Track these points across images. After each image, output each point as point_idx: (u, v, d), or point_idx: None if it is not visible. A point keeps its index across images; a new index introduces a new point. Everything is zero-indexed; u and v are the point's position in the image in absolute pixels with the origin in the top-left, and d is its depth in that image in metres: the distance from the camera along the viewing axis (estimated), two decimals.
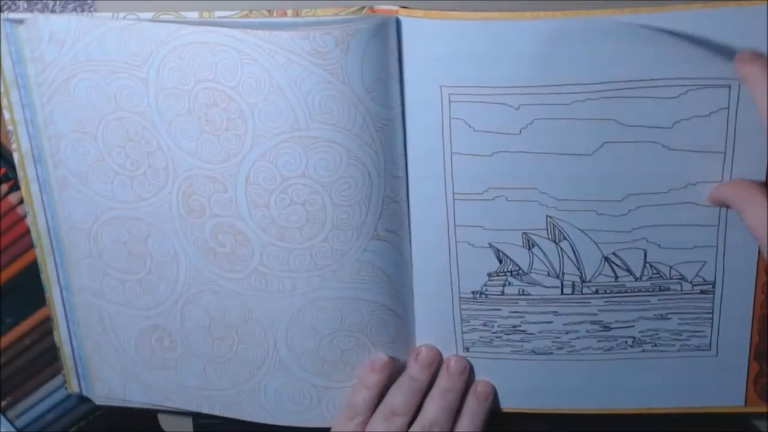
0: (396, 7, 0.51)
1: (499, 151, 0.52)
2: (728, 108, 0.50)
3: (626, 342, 0.56)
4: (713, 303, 0.55)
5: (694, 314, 0.55)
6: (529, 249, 0.54)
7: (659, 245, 0.54)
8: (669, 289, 0.55)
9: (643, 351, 0.56)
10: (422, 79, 0.52)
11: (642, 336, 0.56)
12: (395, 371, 0.57)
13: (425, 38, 0.51)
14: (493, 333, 0.57)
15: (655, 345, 0.56)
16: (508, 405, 0.59)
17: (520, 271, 0.55)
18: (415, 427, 0.56)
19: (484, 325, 0.57)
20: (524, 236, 0.54)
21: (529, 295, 0.56)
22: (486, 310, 0.56)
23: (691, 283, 0.54)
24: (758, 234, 0.48)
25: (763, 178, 0.51)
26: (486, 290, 0.56)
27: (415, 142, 0.54)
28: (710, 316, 0.55)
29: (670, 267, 0.54)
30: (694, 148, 0.51)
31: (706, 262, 0.54)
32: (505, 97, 0.51)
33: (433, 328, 0.58)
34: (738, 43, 0.48)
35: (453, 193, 0.54)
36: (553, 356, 0.57)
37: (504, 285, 0.56)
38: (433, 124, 0.53)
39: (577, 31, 0.49)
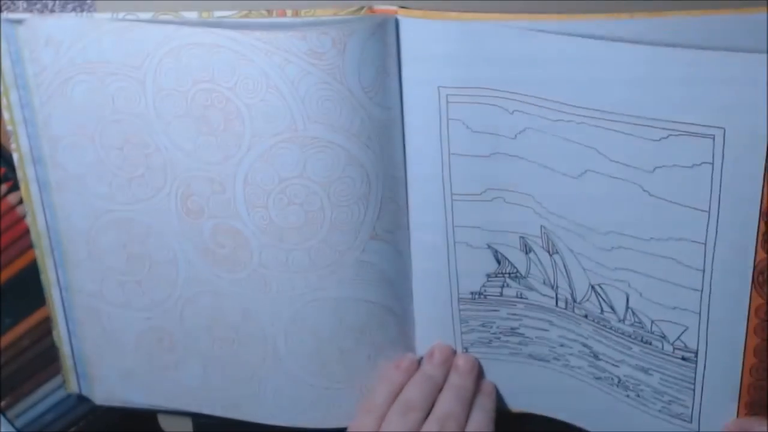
0: (395, 7, 0.51)
1: (497, 152, 0.52)
2: (712, 163, 0.45)
3: (612, 380, 0.54)
4: (695, 373, 0.50)
5: (676, 379, 0.51)
6: (527, 253, 0.54)
7: (640, 294, 0.50)
8: (651, 344, 0.51)
9: (628, 397, 0.53)
10: (420, 79, 0.52)
11: (626, 380, 0.53)
12: (395, 350, 0.58)
13: (423, 38, 0.51)
14: (492, 334, 0.57)
15: (638, 395, 0.53)
16: (506, 406, 0.59)
17: (518, 274, 0.55)
18: (431, 420, 0.55)
19: (483, 325, 0.57)
20: (522, 240, 0.54)
21: (527, 299, 0.55)
22: (485, 311, 0.56)
23: (672, 345, 0.50)
24: None
25: (752, 252, 0.46)
26: (485, 291, 0.56)
27: (414, 142, 0.54)
28: (692, 386, 0.50)
29: (652, 321, 0.50)
30: (676, 200, 0.47)
31: (687, 328, 0.49)
32: (501, 100, 0.50)
33: (432, 328, 0.58)
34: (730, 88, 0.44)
35: (451, 194, 0.54)
36: (550, 364, 0.57)
37: (502, 286, 0.56)
38: (431, 125, 0.53)
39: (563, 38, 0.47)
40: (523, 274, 0.55)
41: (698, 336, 0.49)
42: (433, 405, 0.56)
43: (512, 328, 0.56)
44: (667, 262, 0.48)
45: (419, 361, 0.58)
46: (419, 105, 0.52)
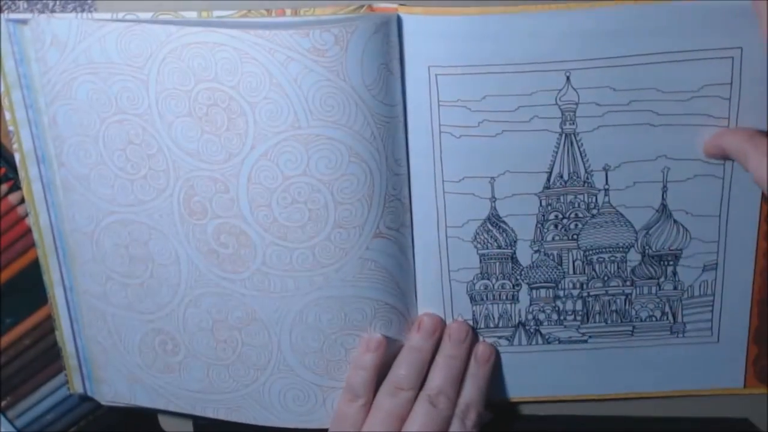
0: (395, 5, 0.51)
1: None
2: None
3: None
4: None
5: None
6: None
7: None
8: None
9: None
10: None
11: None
12: (393, 351, 0.57)
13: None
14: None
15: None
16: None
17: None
18: (421, 397, 0.55)
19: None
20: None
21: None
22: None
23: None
24: (763, 183, 0.48)
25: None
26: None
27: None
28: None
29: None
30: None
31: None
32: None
33: None
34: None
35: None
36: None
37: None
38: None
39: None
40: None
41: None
42: (423, 378, 0.56)
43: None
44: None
45: (387, 339, 0.56)
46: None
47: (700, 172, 0.53)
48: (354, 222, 0.53)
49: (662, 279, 0.55)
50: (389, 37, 0.51)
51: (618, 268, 0.55)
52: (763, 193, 0.53)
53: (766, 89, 0.51)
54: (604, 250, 0.55)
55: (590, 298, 0.56)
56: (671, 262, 0.55)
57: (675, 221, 0.54)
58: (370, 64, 0.51)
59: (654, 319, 0.56)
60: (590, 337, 0.57)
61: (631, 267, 0.55)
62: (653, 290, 0.56)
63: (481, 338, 0.57)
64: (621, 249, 0.55)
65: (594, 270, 0.55)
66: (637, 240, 0.55)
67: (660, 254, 0.55)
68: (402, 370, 0.56)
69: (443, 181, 0.54)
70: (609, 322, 0.56)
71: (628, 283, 0.56)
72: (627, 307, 0.56)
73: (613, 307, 0.56)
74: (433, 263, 0.56)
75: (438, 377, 0.55)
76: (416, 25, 0.51)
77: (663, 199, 0.54)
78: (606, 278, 0.56)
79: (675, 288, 0.56)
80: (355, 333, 0.56)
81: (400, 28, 0.51)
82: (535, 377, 0.58)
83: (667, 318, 0.56)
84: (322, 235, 0.53)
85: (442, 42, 0.51)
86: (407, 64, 0.52)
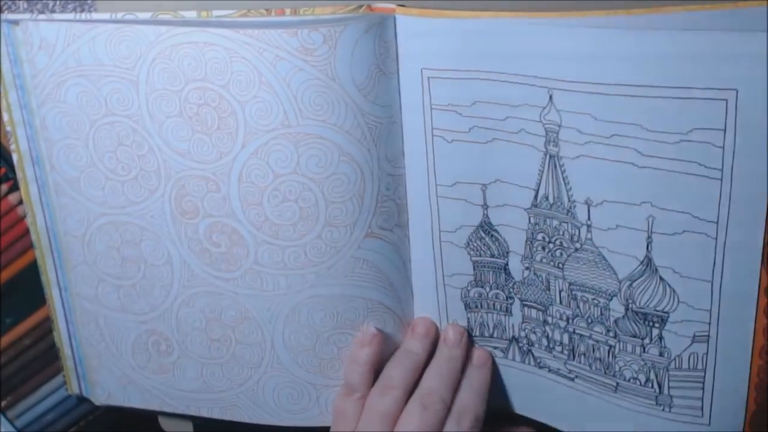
0: (393, 5, 0.51)
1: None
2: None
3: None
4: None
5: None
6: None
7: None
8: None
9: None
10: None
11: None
12: (390, 349, 0.56)
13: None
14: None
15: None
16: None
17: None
18: (413, 398, 0.54)
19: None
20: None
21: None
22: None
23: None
24: None
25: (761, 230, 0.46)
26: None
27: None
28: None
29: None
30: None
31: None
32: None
33: None
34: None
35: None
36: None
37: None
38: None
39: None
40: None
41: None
42: (417, 381, 0.55)
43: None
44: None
45: (381, 333, 0.56)
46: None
47: (689, 228, 0.47)
48: (345, 221, 0.53)
49: (647, 341, 0.51)
50: (383, 38, 0.51)
51: (601, 314, 0.52)
52: (763, 259, 0.46)
53: (767, 140, 0.44)
54: (587, 289, 0.52)
55: (575, 336, 0.53)
56: (657, 325, 0.50)
57: (661, 278, 0.49)
58: (360, 63, 0.51)
59: (638, 382, 0.52)
60: (576, 377, 0.54)
61: (614, 318, 0.51)
62: (637, 350, 0.51)
63: (477, 345, 0.57)
64: (604, 295, 0.51)
65: (578, 307, 0.53)
66: (620, 290, 0.50)
67: (645, 312, 0.50)
68: (393, 370, 0.55)
69: (436, 184, 0.54)
70: (593, 368, 0.53)
71: (611, 334, 0.52)
72: (611, 359, 0.52)
73: (597, 355, 0.53)
74: (428, 267, 0.56)
75: (431, 378, 0.55)
76: (410, 26, 0.51)
77: (648, 250, 0.48)
78: (590, 320, 0.52)
79: (661, 354, 0.50)
80: (348, 331, 0.56)
81: (396, 29, 0.51)
82: (528, 396, 0.57)
83: (652, 386, 0.51)
84: (313, 233, 0.53)
85: (435, 44, 0.50)
86: (401, 65, 0.52)
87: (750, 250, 0.46)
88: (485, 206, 0.53)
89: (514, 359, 0.56)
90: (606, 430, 0.54)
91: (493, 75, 0.49)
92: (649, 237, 0.48)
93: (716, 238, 0.46)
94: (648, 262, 0.49)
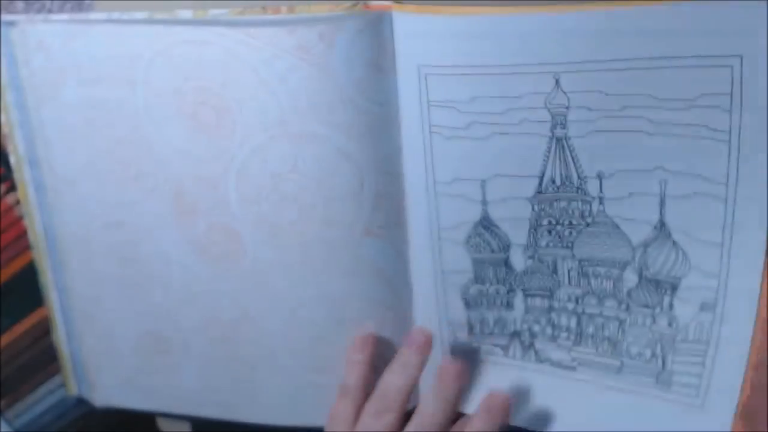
0: (390, 3, 0.51)
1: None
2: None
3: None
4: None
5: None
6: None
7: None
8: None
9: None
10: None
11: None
12: (388, 351, 0.56)
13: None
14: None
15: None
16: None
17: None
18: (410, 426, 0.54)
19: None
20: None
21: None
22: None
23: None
24: None
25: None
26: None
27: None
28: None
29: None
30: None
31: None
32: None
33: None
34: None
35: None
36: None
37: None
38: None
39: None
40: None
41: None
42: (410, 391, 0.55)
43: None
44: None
45: (376, 336, 0.56)
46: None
47: (700, 190, 0.49)
48: (343, 220, 0.53)
49: (658, 310, 0.52)
50: (380, 35, 0.51)
51: (614, 286, 0.53)
52: None
53: None
54: (599, 262, 0.53)
55: (584, 316, 0.54)
56: (668, 292, 0.51)
57: (674, 242, 0.50)
58: (357, 61, 0.51)
59: (643, 359, 0.53)
60: (579, 364, 0.54)
61: (627, 288, 0.53)
62: (647, 321, 0.52)
63: (473, 345, 0.57)
64: (617, 265, 0.52)
65: (590, 284, 0.53)
66: (634, 258, 0.52)
67: (658, 279, 0.52)
68: (389, 386, 0.54)
69: (435, 182, 0.53)
70: (599, 350, 0.54)
71: (623, 306, 0.53)
72: (619, 335, 0.53)
73: (606, 333, 0.54)
74: (427, 265, 0.56)
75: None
76: (407, 23, 0.51)
77: (661, 214, 0.51)
78: (602, 296, 0.53)
79: (669, 324, 0.52)
80: (347, 331, 0.56)
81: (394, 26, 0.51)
82: (524, 404, 0.56)
83: (657, 361, 0.53)
84: (311, 232, 0.53)
85: (432, 41, 0.50)
86: (398, 63, 0.52)
87: (757, 207, 0.48)
88: (484, 202, 0.53)
89: (514, 357, 0.56)
90: (602, 421, 0.54)
91: (493, 69, 0.50)
92: (662, 200, 0.50)
93: (726, 199, 0.48)
94: (661, 226, 0.51)
